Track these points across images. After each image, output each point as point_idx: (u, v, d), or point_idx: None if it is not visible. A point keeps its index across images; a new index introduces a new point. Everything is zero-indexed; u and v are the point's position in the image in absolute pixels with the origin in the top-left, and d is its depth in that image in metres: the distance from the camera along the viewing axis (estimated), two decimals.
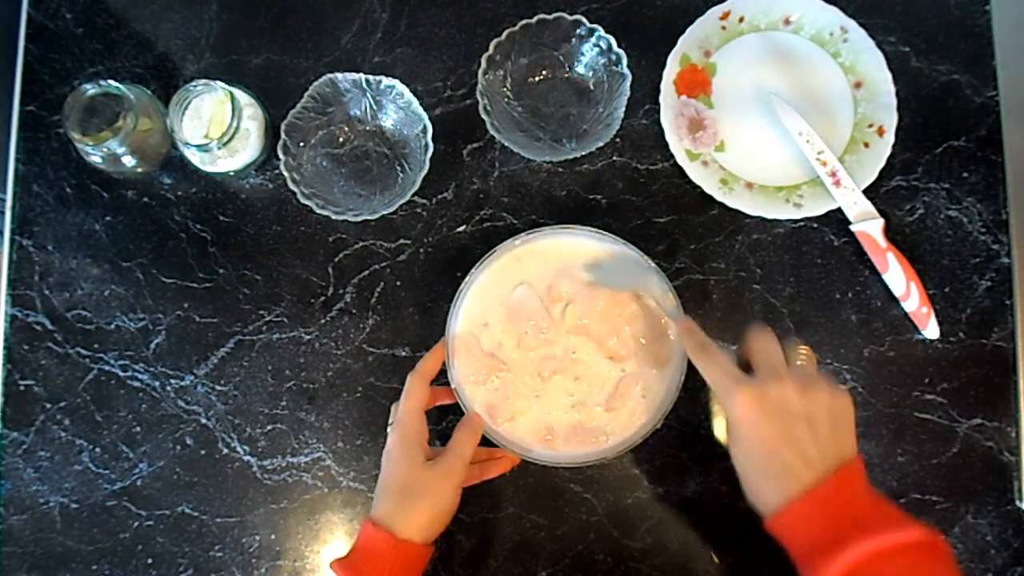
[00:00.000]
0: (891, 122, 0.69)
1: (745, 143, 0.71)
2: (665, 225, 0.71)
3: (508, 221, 0.72)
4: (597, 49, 0.69)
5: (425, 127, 0.68)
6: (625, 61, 0.67)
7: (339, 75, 0.68)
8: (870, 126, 0.70)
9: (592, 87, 0.72)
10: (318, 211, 0.67)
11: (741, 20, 0.72)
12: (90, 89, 0.66)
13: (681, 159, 0.70)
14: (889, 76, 0.70)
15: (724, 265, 0.70)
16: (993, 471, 0.67)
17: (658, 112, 0.70)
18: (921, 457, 0.67)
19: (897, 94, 0.69)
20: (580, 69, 0.71)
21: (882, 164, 0.69)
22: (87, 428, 0.71)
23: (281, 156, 0.67)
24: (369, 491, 0.69)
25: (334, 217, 0.67)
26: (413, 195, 0.67)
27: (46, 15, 0.76)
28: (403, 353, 0.71)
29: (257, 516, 0.69)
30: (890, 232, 0.69)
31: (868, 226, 0.67)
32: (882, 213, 0.68)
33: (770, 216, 0.69)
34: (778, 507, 0.49)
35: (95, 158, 0.68)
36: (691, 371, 0.58)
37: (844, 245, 0.70)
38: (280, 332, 0.71)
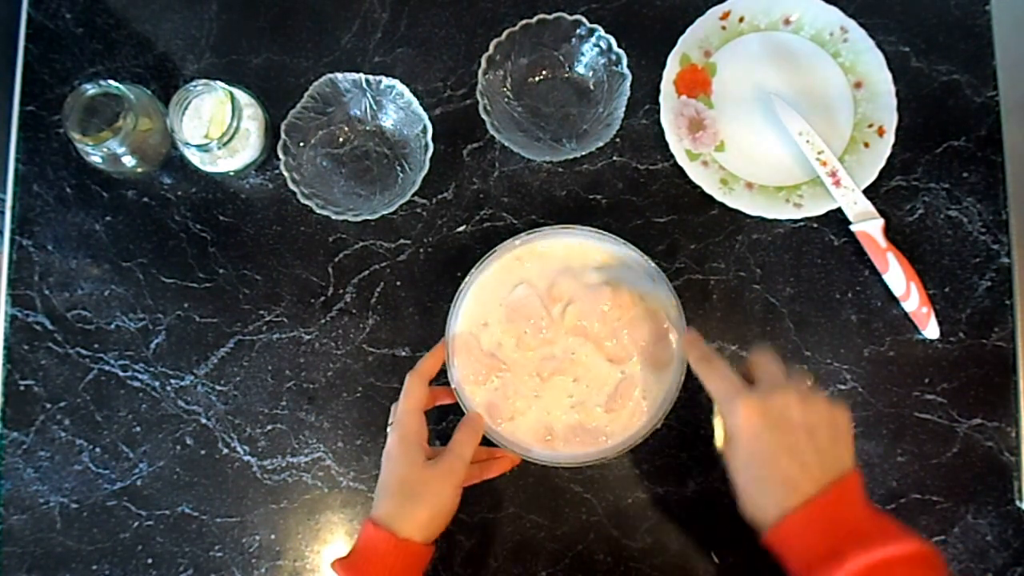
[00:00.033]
0: (891, 122, 0.69)
1: (745, 143, 0.71)
2: (665, 225, 0.71)
3: (508, 221, 0.72)
4: (597, 49, 0.69)
5: (425, 127, 0.68)
6: (625, 61, 0.67)
7: (339, 75, 0.68)
8: (870, 126, 0.70)
9: (592, 87, 0.72)
10: (318, 211, 0.67)
11: (741, 20, 0.72)
12: (90, 89, 0.66)
13: (681, 159, 0.70)
14: (889, 76, 0.70)
15: (724, 265, 0.70)
16: (993, 471, 0.67)
17: (658, 112, 0.70)
18: (921, 457, 0.67)
19: (897, 94, 0.69)
20: (580, 69, 0.71)
21: (882, 164, 0.69)
22: (87, 428, 0.71)
23: (281, 156, 0.67)
24: (369, 491, 0.69)
25: (334, 217, 0.67)
26: (413, 195, 0.67)
27: (46, 15, 0.76)
28: (403, 353, 0.71)
29: (257, 516, 0.69)
30: (890, 232, 0.69)
31: (868, 226, 0.67)
32: (882, 213, 0.68)
33: (770, 216, 0.69)
34: (777, 518, 0.49)
35: (95, 158, 0.68)
36: (690, 372, 0.58)
37: (844, 245, 0.70)
38: (280, 332, 0.71)
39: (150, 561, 0.69)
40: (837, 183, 0.68)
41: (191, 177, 0.73)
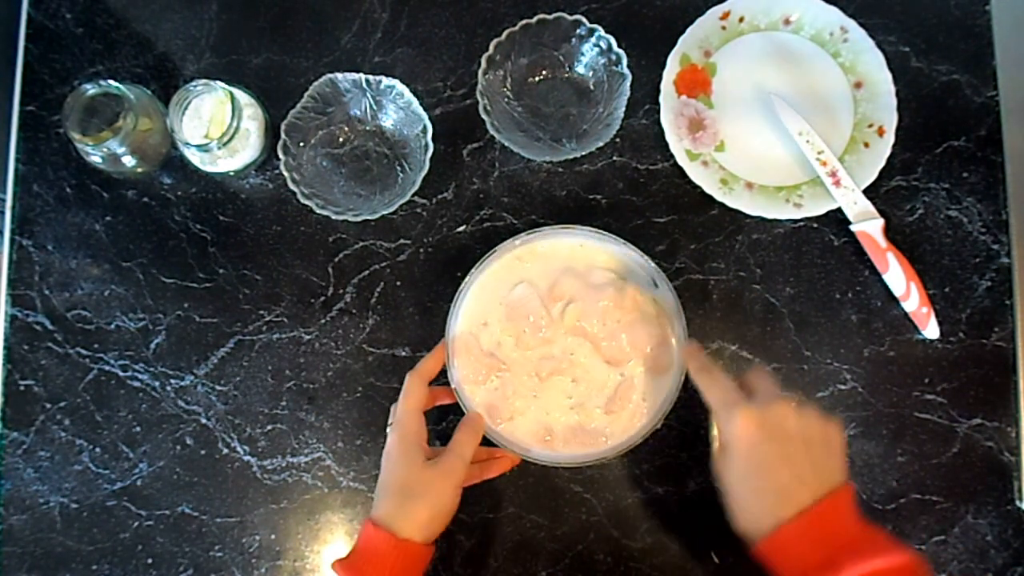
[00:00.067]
0: (891, 122, 0.69)
1: (745, 143, 0.71)
2: (665, 225, 0.71)
3: (508, 221, 0.72)
4: (597, 49, 0.69)
5: (425, 127, 0.68)
6: (625, 61, 0.67)
7: (339, 75, 0.68)
8: (870, 126, 0.70)
9: (592, 87, 0.72)
10: (318, 211, 0.67)
11: (741, 20, 0.72)
12: (90, 89, 0.66)
13: (681, 159, 0.70)
14: (889, 76, 0.70)
15: (724, 265, 0.70)
16: (993, 471, 0.67)
17: (658, 112, 0.70)
18: (921, 457, 0.67)
19: (897, 94, 0.69)
20: (580, 69, 0.71)
21: (882, 164, 0.69)
22: (87, 428, 0.71)
23: (281, 156, 0.67)
24: (369, 491, 0.69)
25: (334, 217, 0.67)
26: (413, 195, 0.67)
27: (46, 15, 0.76)
28: (403, 353, 0.71)
29: (257, 516, 0.69)
30: (890, 232, 0.69)
31: (868, 226, 0.67)
32: (882, 213, 0.68)
33: (770, 216, 0.69)
34: (771, 528, 0.49)
35: (95, 158, 0.68)
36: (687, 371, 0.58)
37: (844, 245, 0.70)
38: (280, 332, 0.71)
39: (150, 561, 0.69)
40: (837, 183, 0.68)
41: (191, 177, 0.73)
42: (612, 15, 0.74)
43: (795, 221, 0.70)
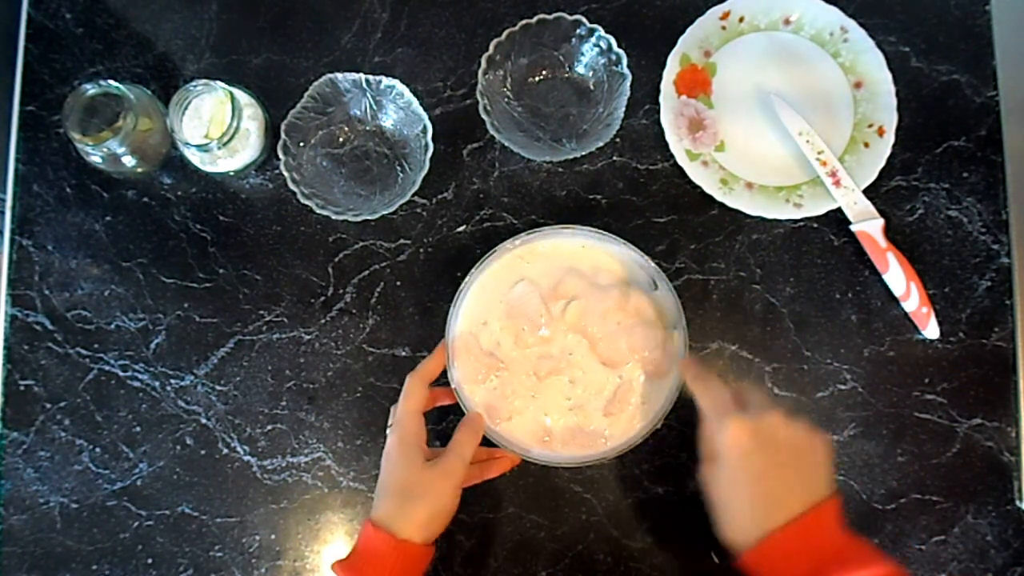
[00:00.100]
0: (891, 122, 0.69)
1: (745, 143, 0.71)
2: (665, 225, 0.71)
3: (508, 221, 0.72)
4: (597, 49, 0.69)
5: (425, 127, 0.68)
6: (625, 61, 0.67)
7: (339, 75, 0.68)
8: (870, 126, 0.70)
9: (592, 87, 0.72)
10: (318, 211, 0.67)
11: (741, 20, 0.72)
12: (90, 89, 0.66)
13: (681, 159, 0.70)
14: (889, 76, 0.70)
15: (724, 265, 0.70)
16: (993, 471, 0.67)
17: (658, 112, 0.70)
18: (921, 457, 0.67)
19: (897, 94, 0.69)
20: (580, 69, 0.71)
21: (882, 164, 0.69)
22: (87, 428, 0.71)
23: (281, 156, 0.67)
24: (369, 491, 0.69)
25: (334, 217, 0.67)
26: (413, 195, 0.67)
27: (46, 15, 0.76)
28: (403, 353, 0.71)
29: (257, 516, 0.69)
30: (890, 232, 0.69)
31: (868, 226, 0.67)
32: (882, 213, 0.68)
33: (770, 216, 0.69)
34: (759, 537, 0.50)
35: (95, 158, 0.68)
36: None
37: (844, 245, 0.70)
38: (280, 332, 0.71)
39: (150, 561, 0.69)
40: (837, 183, 0.68)
41: (191, 177, 0.73)
42: (612, 15, 0.74)
43: (795, 221, 0.70)
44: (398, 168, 0.72)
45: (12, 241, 0.73)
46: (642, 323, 0.64)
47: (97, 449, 0.71)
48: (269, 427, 0.70)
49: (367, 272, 0.72)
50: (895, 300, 0.68)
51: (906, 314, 0.68)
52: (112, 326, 0.72)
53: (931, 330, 0.67)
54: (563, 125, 0.72)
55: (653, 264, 0.63)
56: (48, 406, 0.71)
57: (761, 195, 0.70)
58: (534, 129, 0.72)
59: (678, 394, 0.61)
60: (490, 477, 0.64)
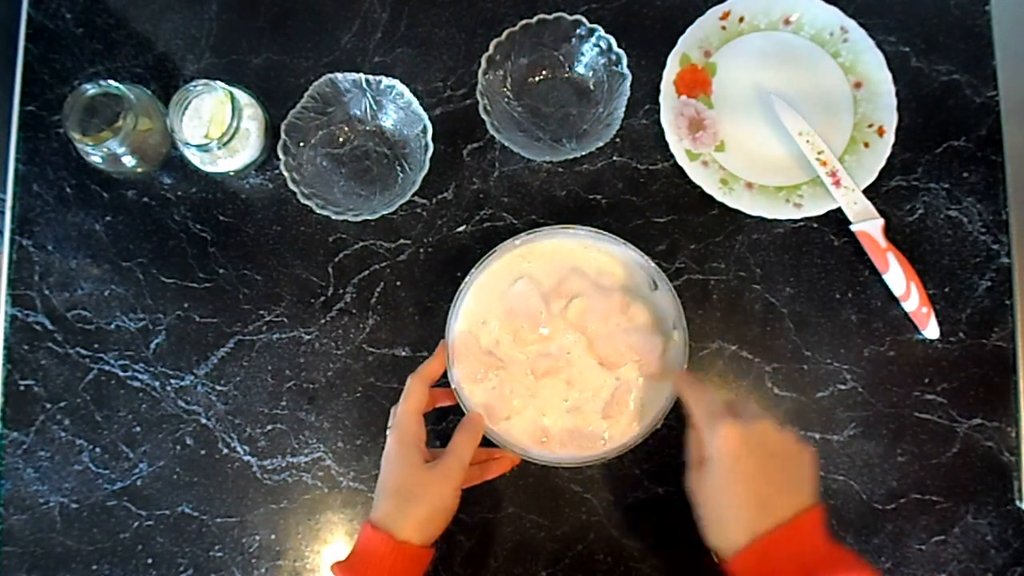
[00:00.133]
0: (891, 122, 0.69)
1: (745, 143, 0.71)
2: (665, 225, 0.71)
3: (508, 221, 0.72)
4: (597, 49, 0.69)
5: (425, 127, 0.68)
6: (625, 61, 0.67)
7: (339, 75, 0.68)
8: (870, 126, 0.70)
9: (592, 87, 0.72)
10: (318, 211, 0.67)
11: (741, 20, 0.72)
12: (90, 89, 0.66)
13: (681, 159, 0.70)
14: (889, 76, 0.70)
15: (724, 265, 0.70)
16: (993, 471, 0.67)
17: (658, 112, 0.70)
18: (921, 457, 0.67)
19: (897, 94, 0.69)
20: (580, 69, 0.71)
21: (882, 164, 0.69)
22: (87, 428, 0.71)
23: (281, 156, 0.67)
24: (369, 491, 0.69)
25: (334, 217, 0.67)
26: (413, 195, 0.67)
27: (46, 15, 0.76)
28: (403, 353, 0.71)
29: (257, 516, 0.69)
30: (890, 232, 0.69)
31: (868, 226, 0.67)
32: (882, 213, 0.68)
33: (770, 216, 0.69)
34: (748, 541, 0.50)
35: (95, 158, 0.68)
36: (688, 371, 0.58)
37: (844, 245, 0.70)
38: (280, 332, 0.71)
39: (150, 561, 0.69)
40: (837, 183, 0.68)
41: (191, 177, 0.73)
42: (612, 15, 0.74)
43: (795, 221, 0.70)
44: (398, 168, 0.72)
45: (12, 241, 0.73)
46: (641, 329, 0.64)
47: (97, 449, 0.71)
48: (269, 427, 0.70)
49: (367, 272, 0.72)
50: (895, 300, 0.68)
51: (906, 314, 0.68)
52: (112, 326, 0.72)
53: (931, 330, 0.67)
54: (563, 125, 0.72)
55: (653, 264, 0.63)
56: (48, 406, 0.71)
57: (761, 195, 0.70)
58: (534, 129, 0.72)
59: (676, 396, 0.61)
60: (490, 478, 0.64)
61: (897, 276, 0.67)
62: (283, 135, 0.68)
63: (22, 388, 0.71)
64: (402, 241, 0.72)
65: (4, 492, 0.70)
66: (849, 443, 0.68)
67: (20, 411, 0.71)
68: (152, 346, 0.72)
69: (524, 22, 0.68)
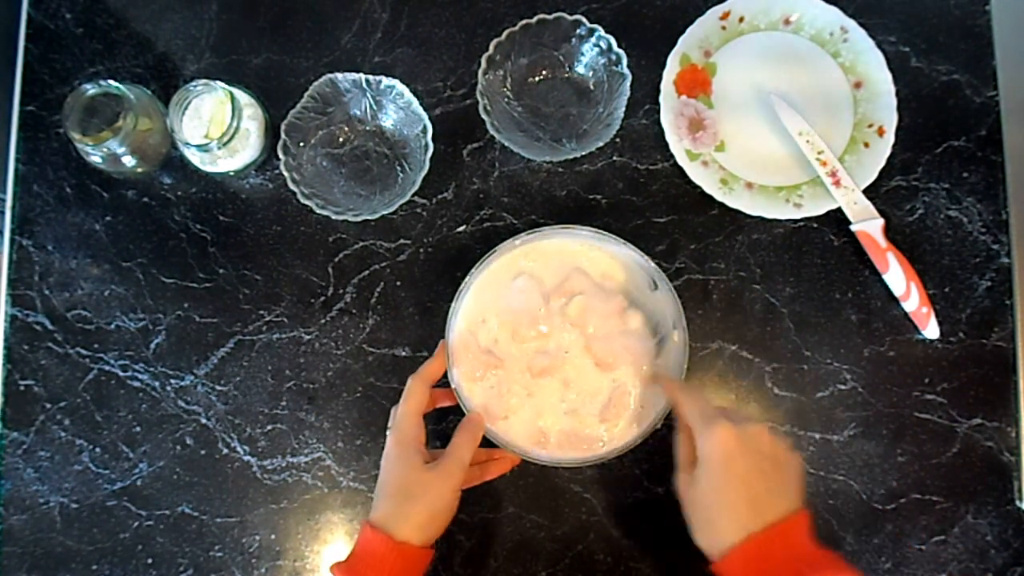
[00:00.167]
0: (891, 122, 0.69)
1: (745, 143, 0.71)
2: (665, 225, 0.71)
3: (508, 221, 0.72)
4: (597, 49, 0.69)
5: (425, 127, 0.68)
6: (625, 61, 0.67)
7: (339, 75, 0.68)
8: (870, 126, 0.70)
9: (592, 87, 0.72)
10: (318, 211, 0.67)
11: (741, 20, 0.72)
12: (90, 89, 0.66)
13: (681, 159, 0.70)
14: (889, 76, 0.70)
15: (724, 265, 0.70)
16: (993, 471, 0.67)
17: (658, 112, 0.70)
18: (921, 457, 0.67)
19: (897, 94, 0.69)
20: (580, 69, 0.71)
21: (882, 164, 0.69)
22: (87, 428, 0.71)
23: (281, 156, 0.67)
24: (369, 491, 0.69)
25: (334, 217, 0.67)
26: (413, 195, 0.67)
27: (46, 15, 0.76)
28: (403, 353, 0.71)
29: (257, 516, 0.69)
30: (890, 232, 0.69)
31: (868, 226, 0.67)
32: (882, 213, 0.68)
33: (770, 216, 0.69)
34: (740, 540, 0.50)
35: (95, 158, 0.68)
36: (688, 370, 0.58)
37: (844, 245, 0.70)
38: (280, 332, 0.71)
39: (150, 561, 0.69)
40: (837, 183, 0.68)
41: (191, 177, 0.73)
42: (612, 15, 0.74)
43: (795, 221, 0.70)
44: (398, 168, 0.72)
45: (12, 241, 0.73)
46: (635, 333, 0.64)
47: (97, 449, 0.71)
48: (269, 427, 0.70)
49: (367, 272, 0.72)
50: (895, 300, 0.68)
51: (906, 314, 0.68)
52: (112, 326, 0.72)
53: (931, 330, 0.67)
54: (563, 125, 0.72)
55: (653, 264, 0.63)
56: (48, 406, 0.71)
57: (761, 195, 0.70)
58: (534, 129, 0.72)
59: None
60: (490, 478, 0.64)
61: (897, 276, 0.67)
62: (283, 135, 0.68)
63: (22, 388, 0.71)
64: (402, 241, 0.72)
65: (4, 492, 0.70)
66: (849, 443, 0.68)
67: (20, 411, 0.71)
68: (152, 346, 0.72)
69: (524, 22, 0.68)
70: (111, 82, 0.66)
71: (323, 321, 0.71)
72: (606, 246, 0.65)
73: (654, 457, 0.68)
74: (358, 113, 0.72)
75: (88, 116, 0.67)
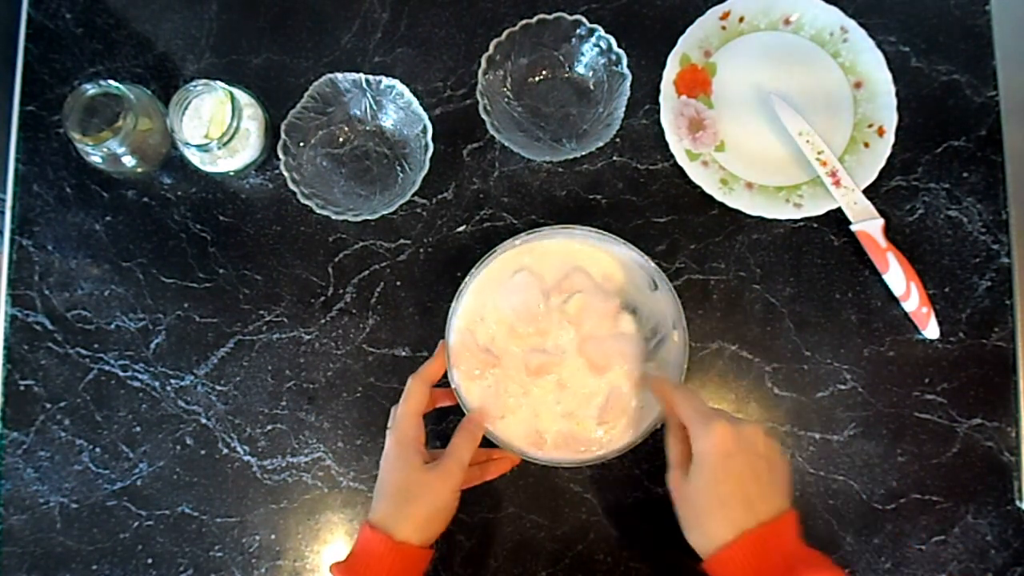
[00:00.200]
0: (891, 122, 0.69)
1: (745, 143, 0.71)
2: (665, 225, 0.71)
3: (508, 221, 0.72)
4: (597, 49, 0.69)
5: (425, 127, 0.68)
6: (625, 61, 0.67)
7: (339, 75, 0.68)
8: (870, 126, 0.70)
9: (592, 87, 0.72)
10: (318, 211, 0.67)
11: (741, 20, 0.72)
12: (90, 89, 0.66)
13: (681, 159, 0.70)
14: (889, 76, 0.70)
15: (724, 265, 0.70)
16: (993, 471, 0.67)
17: (658, 112, 0.70)
18: (921, 457, 0.67)
19: (897, 94, 0.69)
20: (580, 69, 0.71)
21: (882, 164, 0.69)
22: (87, 428, 0.71)
23: (281, 156, 0.67)
24: (369, 491, 0.69)
25: (334, 217, 0.67)
26: (413, 195, 0.67)
27: (46, 15, 0.76)
28: (403, 353, 0.71)
29: (257, 516, 0.69)
30: (890, 232, 0.69)
31: (868, 226, 0.67)
32: (882, 213, 0.68)
33: (770, 216, 0.69)
34: (732, 538, 0.51)
35: (95, 158, 0.68)
36: (688, 370, 0.58)
37: (844, 245, 0.70)
38: (280, 332, 0.71)
39: (150, 561, 0.69)
40: (837, 183, 0.68)
41: (191, 177, 0.73)
42: (612, 15, 0.74)
43: (795, 221, 0.70)
44: (398, 168, 0.72)
45: (12, 241, 0.73)
46: (626, 336, 0.64)
47: (97, 449, 0.71)
48: (269, 427, 0.70)
49: (367, 272, 0.72)
50: (895, 300, 0.68)
51: (906, 314, 0.68)
52: (112, 326, 0.72)
53: (931, 330, 0.67)
54: (563, 125, 0.72)
55: (653, 264, 0.63)
56: (48, 406, 0.71)
57: (761, 195, 0.70)
58: (534, 129, 0.72)
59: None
60: (489, 478, 0.64)
61: (897, 276, 0.67)
62: (283, 135, 0.68)
63: (22, 388, 0.71)
64: (402, 241, 0.72)
65: (4, 492, 0.70)
66: (849, 443, 0.68)
67: (20, 411, 0.71)
68: (152, 346, 0.72)
69: (524, 22, 0.68)
70: (111, 82, 0.66)
71: (323, 321, 0.71)
72: (606, 246, 0.65)
73: (654, 457, 0.68)
74: (358, 113, 0.72)
75: (88, 116, 0.67)
